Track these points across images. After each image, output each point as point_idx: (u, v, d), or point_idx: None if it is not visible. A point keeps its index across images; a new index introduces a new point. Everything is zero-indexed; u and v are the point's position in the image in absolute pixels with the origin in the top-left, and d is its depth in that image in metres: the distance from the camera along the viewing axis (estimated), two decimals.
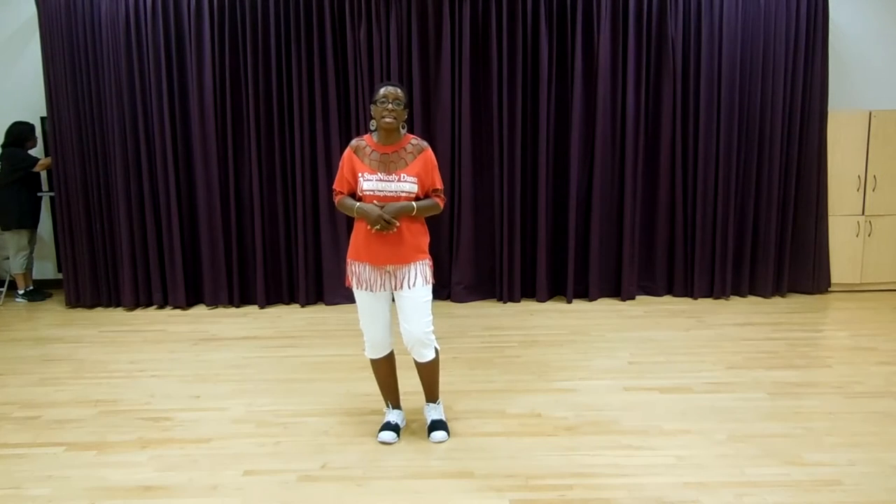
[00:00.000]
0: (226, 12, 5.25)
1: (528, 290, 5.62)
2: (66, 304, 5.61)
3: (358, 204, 2.84)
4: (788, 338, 4.51)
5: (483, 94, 5.40)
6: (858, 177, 5.65)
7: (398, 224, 2.79)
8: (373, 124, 2.89)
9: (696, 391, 3.57)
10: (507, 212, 5.43)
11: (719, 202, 5.47)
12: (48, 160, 5.61)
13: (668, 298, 5.61)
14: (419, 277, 2.89)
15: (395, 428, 3.08)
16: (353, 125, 5.37)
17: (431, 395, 3.14)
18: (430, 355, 2.99)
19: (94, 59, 5.30)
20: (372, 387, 3.65)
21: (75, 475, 2.79)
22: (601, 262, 5.56)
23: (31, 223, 5.75)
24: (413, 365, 3.51)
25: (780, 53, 5.36)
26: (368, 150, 2.88)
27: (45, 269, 6.25)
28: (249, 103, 5.31)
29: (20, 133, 5.61)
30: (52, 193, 5.81)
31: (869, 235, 5.70)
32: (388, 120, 2.80)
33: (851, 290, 5.78)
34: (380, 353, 3.03)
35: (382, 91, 2.82)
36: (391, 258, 2.86)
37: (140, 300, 5.53)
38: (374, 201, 2.81)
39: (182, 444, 3.06)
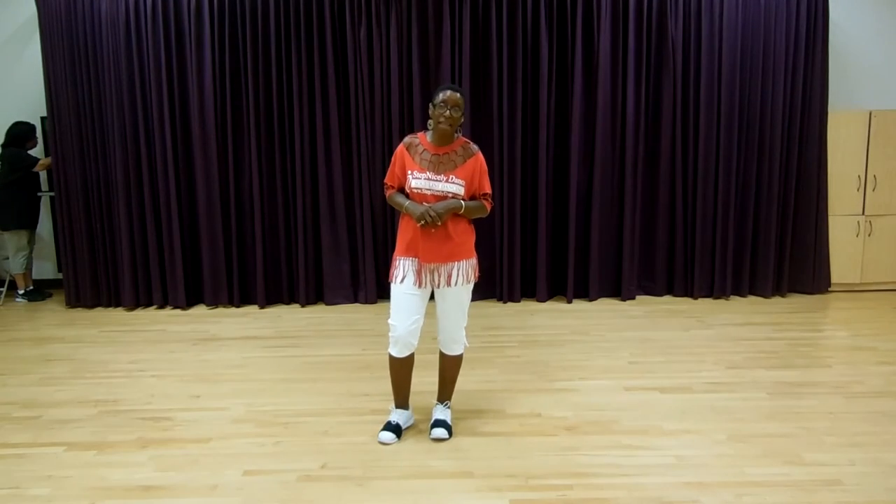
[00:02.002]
0: (226, 12, 5.25)
1: (528, 290, 5.62)
2: (66, 304, 5.61)
3: (406, 203, 2.90)
4: (788, 338, 4.51)
5: (483, 94, 5.40)
6: (858, 177, 5.65)
7: (441, 221, 2.84)
8: (430, 124, 2.94)
9: (696, 391, 3.57)
10: (507, 212, 5.43)
11: (719, 202, 5.47)
12: (48, 160, 5.61)
13: (668, 298, 5.61)
14: (461, 276, 2.95)
15: (395, 429, 3.08)
16: (353, 124, 5.38)
17: (445, 393, 3.16)
18: (459, 350, 3.08)
19: (94, 59, 5.30)
20: (372, 387, 3.66)
21: (75, 475, 2.79)
22: (601, 262, 5.56)
23: (30, 223, 5.75)
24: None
25: (780, 53, 5.36)
26: (421, 148, 2.93)
27: (45, 269, 6.26)
28: (249, 103, 5.31)
29: (21, 133, 5.61)
30: (52, 193, 5.81)
31: (869, 235, 5.70)
32: (444, 126, 2.85)
33: (851, 290, 5.78)
34: (402, 352, 2.98)
35: (442, 95, 2.86)
36: (438, 256, 2.91)
37: (140, 300, 5.53)
38: (424, 202, 2.87)
39: (182, 444, 3.06)
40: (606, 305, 5.43)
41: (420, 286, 2.93)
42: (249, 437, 3.11)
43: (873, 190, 5.66)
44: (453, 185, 2.87)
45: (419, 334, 2.99)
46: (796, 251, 5.64)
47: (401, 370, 3.06)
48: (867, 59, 5.87)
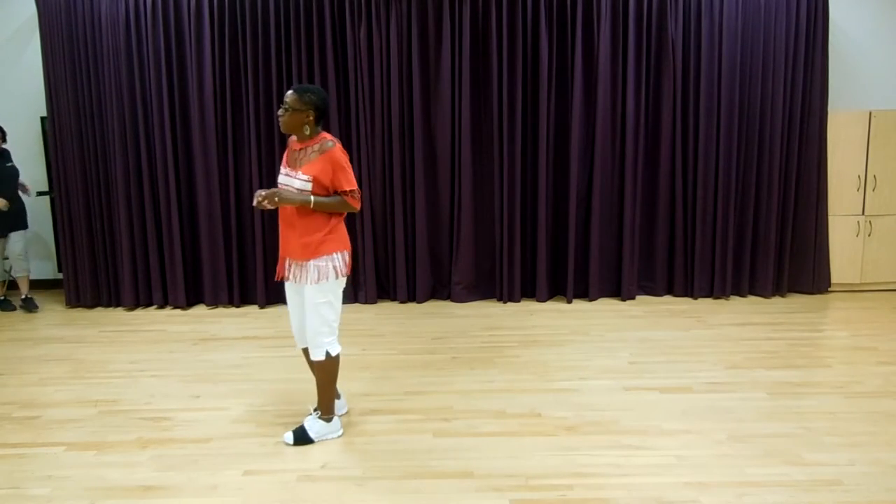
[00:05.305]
0: (226, 12, 5.25)
1: (528, 290, 5.62)
2: (66, 304, 5.61)
3: None
4: (788, 338, 4.51)
5: (483, 94, 5.40)
6: (858, 177, 5.65)
7: (268, 205, 2.81)
8: None
9: (696, 391, 3.57)
10: (507, 212, 5.43)
11: (719, 202, 5.47)
12: None
13: (668, 298, 5.60)
14: (309, 276, 2.93)
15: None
16: (352, 124, 5.37)
17: (318, 402, 3.09)
18: (318, 356, 2.98)
19: (94, 59, 5.30)
20: (372, 386, 3.66)
21: (75, 475, 2.79)
22: (601, 262, 5.56)
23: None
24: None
25: (780, 53, 5.36)
26: (292, 146, 3.03)
27: (45, 269, 6.25)
28: (249, 103, 5.31)
29: None
30: (52, 193, 5.80)
31: (869, 235, 5.70)
32: (281, 124, 2.94)
33: (851, 290, 5.78)
34: (299, 344, 3.16)
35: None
36: (288, 252, 2.99)
37: (140, 300, 5.53)
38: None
39: (182, 444, 3.06)
40: (606, 305, 5.43)
41: (287, 279, 3.06)
42: (249, 437, 3.11)
43: (873, 190, 5.66)
44: (298, 181, 2.89)
45: None
46: (796, 251, 5.64)
47: (309, 361, 3.16)
48: (867, 59, 5.87)
